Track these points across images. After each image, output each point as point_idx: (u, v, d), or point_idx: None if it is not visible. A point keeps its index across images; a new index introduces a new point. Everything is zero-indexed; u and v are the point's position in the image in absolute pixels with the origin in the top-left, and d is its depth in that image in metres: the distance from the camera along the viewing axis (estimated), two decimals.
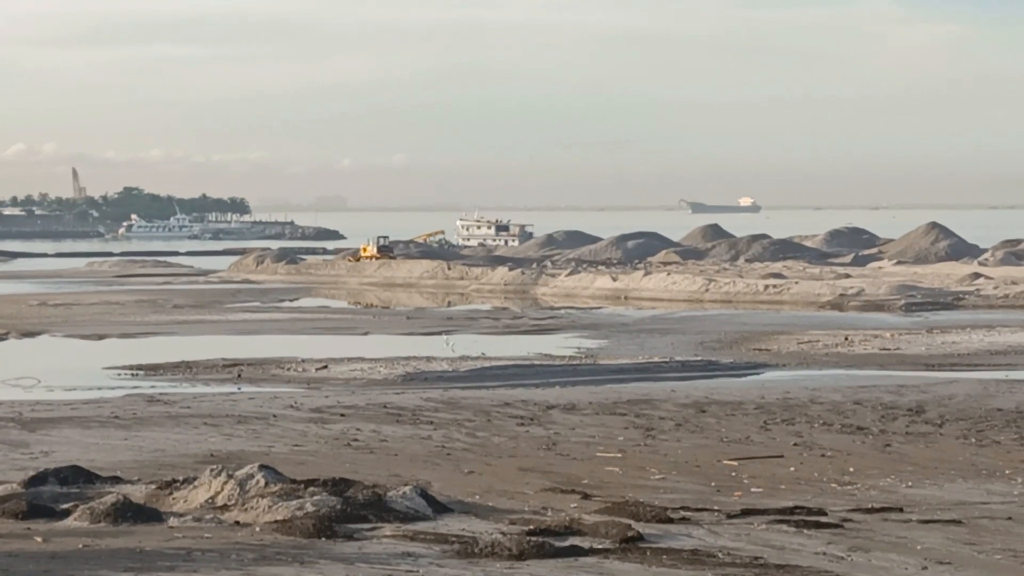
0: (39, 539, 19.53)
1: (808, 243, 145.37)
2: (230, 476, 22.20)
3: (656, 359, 48.87)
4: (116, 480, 23.90)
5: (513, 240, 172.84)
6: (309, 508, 20.88)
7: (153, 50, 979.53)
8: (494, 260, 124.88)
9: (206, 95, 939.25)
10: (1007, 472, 26.51)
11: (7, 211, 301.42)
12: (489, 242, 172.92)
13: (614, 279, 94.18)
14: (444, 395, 38.86)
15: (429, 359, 48.10)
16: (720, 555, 18.93)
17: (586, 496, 23.48)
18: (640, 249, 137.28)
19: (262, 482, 22.06)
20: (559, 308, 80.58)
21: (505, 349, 53.15)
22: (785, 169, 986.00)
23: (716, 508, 22.38)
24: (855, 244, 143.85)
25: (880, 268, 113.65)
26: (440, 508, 21.81)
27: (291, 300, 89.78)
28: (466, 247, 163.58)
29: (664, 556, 18.82)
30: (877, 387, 40.58)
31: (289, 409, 35.73)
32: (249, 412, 35.00)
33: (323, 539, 19.58)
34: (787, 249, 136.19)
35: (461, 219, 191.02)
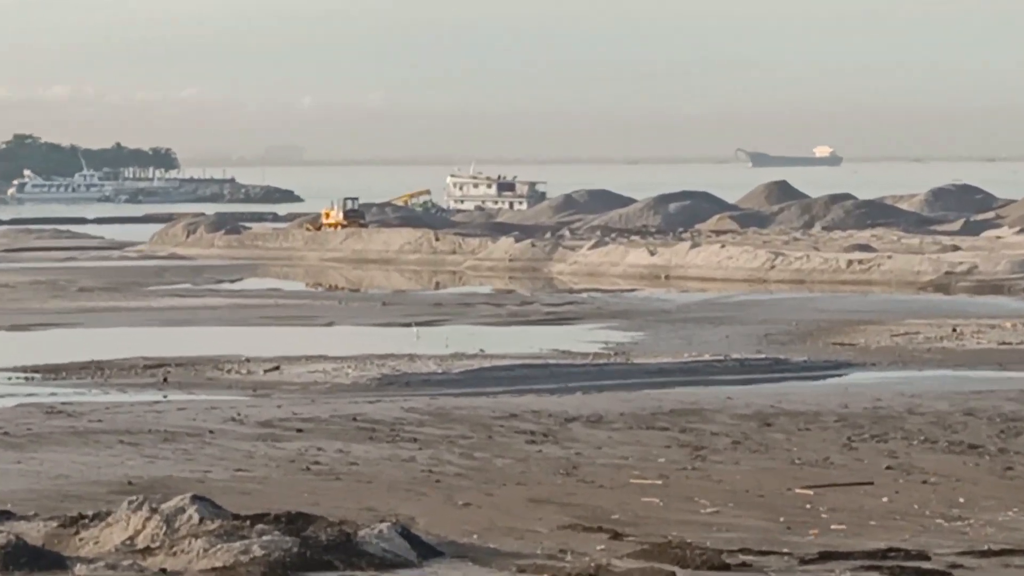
0: None
1: (904, 205, 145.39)
2: (154, 510, 22.20)
3: (707, 357, 48.93)
4: (6, 515, 23.90)
5: (520, 202, 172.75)
6: (257, 552, 20.89)
7: None
8: (496, 229, 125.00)
9: (125, 20, 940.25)
10: None
11: None
12: (489, 205, 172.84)
13: (652, 253, 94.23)
14: (432, 404, 38.89)
15: (412, 358, 48.15)
16: None
17: (616, 535, 23.51)
18: (685, 213, 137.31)
19: (196, 518, 22.06)
20: (580, 291, 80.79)
21: (511, 344, 53.22)
22: (873, 110, 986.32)
23: (786, 551, 22.39)
24: (965, 207, 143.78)
25: (998, 238, 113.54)
26: (427, 551, 21.82)
27: (232, 281, 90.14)
28: (459, 211, 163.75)
29: None
30: (995, 393, 40.59)
31: (230, 423, 35.76)
32: (178, 427, 35.03)
33: None
34: (877, 213, 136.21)
35: (453, 175, 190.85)
